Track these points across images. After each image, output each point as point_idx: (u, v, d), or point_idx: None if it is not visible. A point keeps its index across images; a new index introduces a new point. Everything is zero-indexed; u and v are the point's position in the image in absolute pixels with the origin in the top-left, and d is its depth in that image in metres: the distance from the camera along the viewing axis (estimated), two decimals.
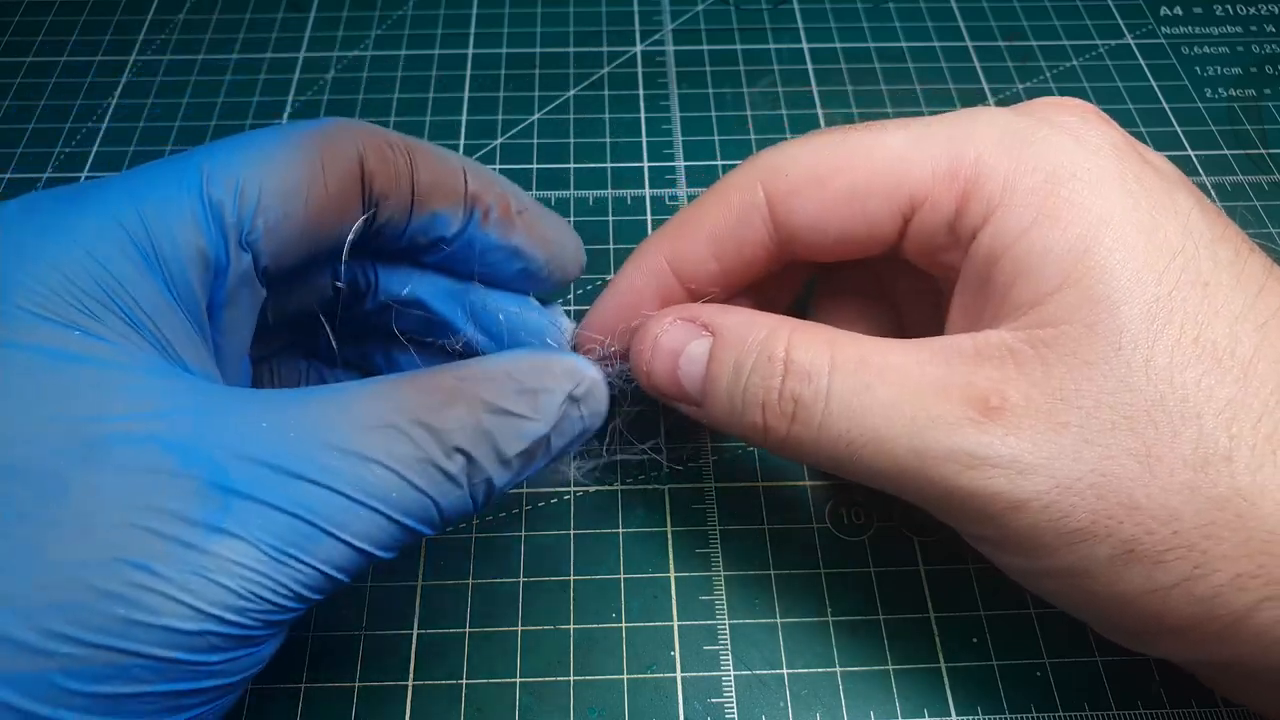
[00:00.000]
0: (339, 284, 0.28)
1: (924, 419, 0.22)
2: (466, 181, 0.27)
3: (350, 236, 0.25)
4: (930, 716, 0.28)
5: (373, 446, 0.20)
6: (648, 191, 0.41)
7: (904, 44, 0.48)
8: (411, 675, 0.28)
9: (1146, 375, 0.21)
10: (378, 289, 0.29)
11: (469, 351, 0.30)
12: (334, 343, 0.29)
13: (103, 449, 0.19)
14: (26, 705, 0.17)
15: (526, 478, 0.24)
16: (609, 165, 0.42)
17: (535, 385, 0.23)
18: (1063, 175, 0.23)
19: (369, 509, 0.20)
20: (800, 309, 0.32)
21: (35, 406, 0.19)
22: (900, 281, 0.31)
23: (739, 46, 0.47)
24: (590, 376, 0.24)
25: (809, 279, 0.32)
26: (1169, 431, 0.21)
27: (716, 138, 0.43)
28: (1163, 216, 0.22)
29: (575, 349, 0.30)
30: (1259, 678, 0.22)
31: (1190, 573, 0.21)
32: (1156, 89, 0.45)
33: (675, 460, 0.33)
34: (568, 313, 0.32)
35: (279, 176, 0.23)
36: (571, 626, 0.29)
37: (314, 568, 0.20)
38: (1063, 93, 0.39)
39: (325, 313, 0.29)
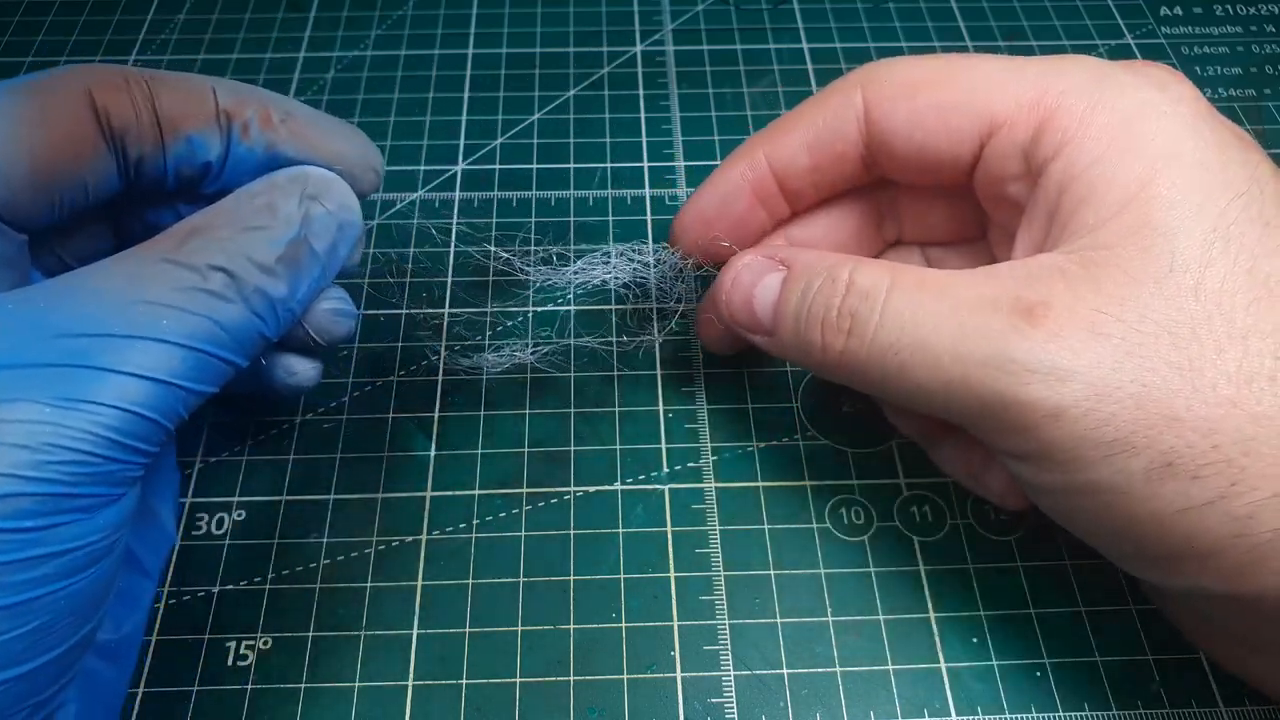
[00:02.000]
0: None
1: (970, 328, 0.23)
2: (216, 99, 0.26)
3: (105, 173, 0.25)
4: (930, 716, 0.28)
5: (129, 290, 0.21)
6: (648, 191, 0.41)
7: (904, 44, 0.48)
8: (411, 675, 0.28)
9: (1195, 296, 0.21)
10: (145, 221, 0.28)
11: None
12: None
13: None
14: None
15: (313, 289, 0.25)
16: (609, 165, 0.42)
17: (268, 199, 0.25)
18: (1138, 116, 0.24)
19: (144, 340, 0.21)
20: None
21: None
22: (956, 265, 0.31)
23: (739, 46, 0.47)
24: (315, 174, 0.26)
25: (881, 244, 0.33)
26: (1213, 348, 0.21)
27: (716, 138, 0.43)
28: (1231, 161, 0.23)
29: (666, 244, 0.32)
30: (1272, 627, 0.22)
31: (1227, 489, 0.20)
32: None
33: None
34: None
35: None
36: (571, 626, 0.29)
37: (108, 405, 0.20)
38: None
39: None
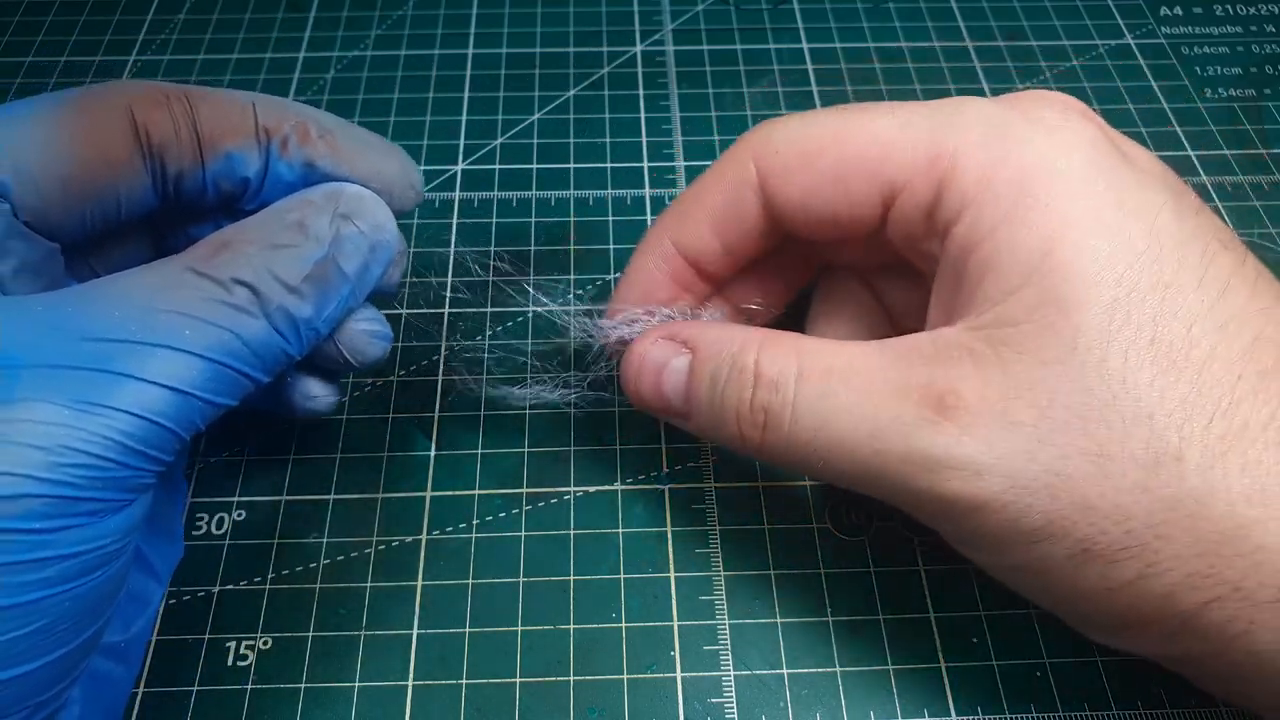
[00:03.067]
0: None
1: (884, 420, 0.23)
2: (256, 115, 0.26)
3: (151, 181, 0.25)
4: (930, 716, 0.28)
5: (153, 299, 0.21)
6: (648, 191, 0.41)
7: (904, 44, 0.48)
8: (411, 675, 0.28)
9: (1100, 375, 0.21)
10: (187, 236, 0.28)
11: None
12: None
13: None
14: None
15: (341, 309, 0.25)
16: (609, 165, 0.42)
17: (299, 216, 0.24)
18: (1035, 173, 0.23)
19: (164, 348, 0.21)
20: (806, 298, 0.33)
21: None
22: (895, 286, 0.31)
23: (739, 46, 0.47)
24: (353, 192, 0.25)
25: (813, 270, 0.32)
26: (1120, 431, 0.21)
27: (716, 138, 0.43)
28: (1129, 216, 0.22)
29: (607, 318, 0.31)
30: (1218, 673, 0.23)
31: (1144, 571, 0.21)
32: (1156, 89, 0.45)
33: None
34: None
35: (30, 130, 0.23)
36: (571, 626, 0.29)
37: (125, 411, 0.20)
38: (1062, 93, 0.39)
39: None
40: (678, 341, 0.28)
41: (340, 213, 0.25)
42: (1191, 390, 0.21)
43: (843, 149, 0.26)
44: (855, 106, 0.27)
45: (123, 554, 0.21)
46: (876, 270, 0.31)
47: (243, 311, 0.22)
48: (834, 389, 0.24)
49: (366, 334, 0.27)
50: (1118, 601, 0.21)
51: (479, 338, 0.35)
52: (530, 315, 0.36)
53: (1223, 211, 0.40)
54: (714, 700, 0.28)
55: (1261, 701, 0.23)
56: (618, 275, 0.33)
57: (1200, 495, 0.20)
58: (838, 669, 0.28)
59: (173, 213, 0.27)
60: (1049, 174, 0.23)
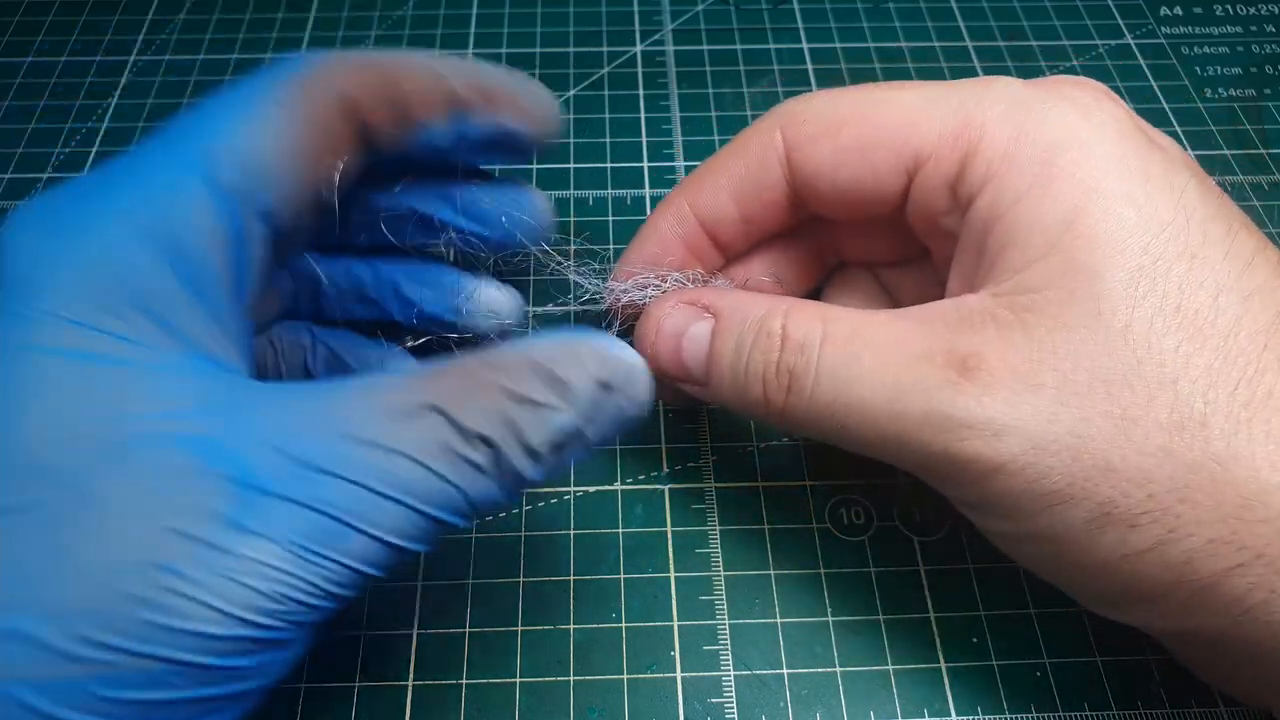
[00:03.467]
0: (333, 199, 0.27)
1: (905, 383, 0.23)
2: (449, 84, 0.26)
3: (339, 173, 0.25)
4: (930, 716, 0.28)
5: (395, 438, 0.20)
6: (648, 191, 0.41)
7: (904, 44, 0.48)
8: (411, 675, 0.28)
9: (1125, 340, 0.21)
10: (366, 204, 0.29)
11: (462, 248, 0.30)
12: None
13: (129, 450, 0.19)
14: (59, 712, 0.17)
15: (567, 467, 0.23)
16: (609, 165, 0.42)
17: (563, 373, 0.22)
18: (1062, 146, 0.23)
19: (394, 502, 0.20)
20: (816, 296, 0.33)
21: (61, 410, 0.19)
22: (907, 280, 0.31)
23: (739, 46, 0.47)
24: (625, 361, 0.23)
25: (826, 268, 0.32)
26: (1145, 395, 0.21)
27: (716, 138, 0.43)
28: (1157, 190, 0.23)
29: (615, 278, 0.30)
30: (1227, 654, 0.23)
31: (1164, 536, 0.21)
32: (1156, 89, 0.45)
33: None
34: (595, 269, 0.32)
35: (276, 140, 0.23)
36: (571, 626, 0.29)
37: (342, 564, 0.20)
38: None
39: (320, 244, 0.29)
40: (698, 307, 0.27)
41: (607, 381, 0.22)
42: (1217, 358, 0.21)
43: (869, 120, 0.26)
44: (882, 84, 0.27)
45: (286, 670, 0.21)
46: (889, 266, 0.31)
47: (478, 470, 0.21)
48: (857, 353, 0.24)
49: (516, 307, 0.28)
50: (1135, 570, 0.21)
51: None
52: (531, 281, 0.36)
53: None
54: (714, 700, 0.28)
55: (1270, 683, 0.22)
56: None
57: (1224, 460, 0.20)
58: (838, 669, 0.28)
59: (362, 182, 0.27)
60: (1076, 147, 0.23)
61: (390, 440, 0.20)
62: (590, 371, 0.22)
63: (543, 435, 0.21)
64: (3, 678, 0.17)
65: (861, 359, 0.24)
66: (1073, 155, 0.23)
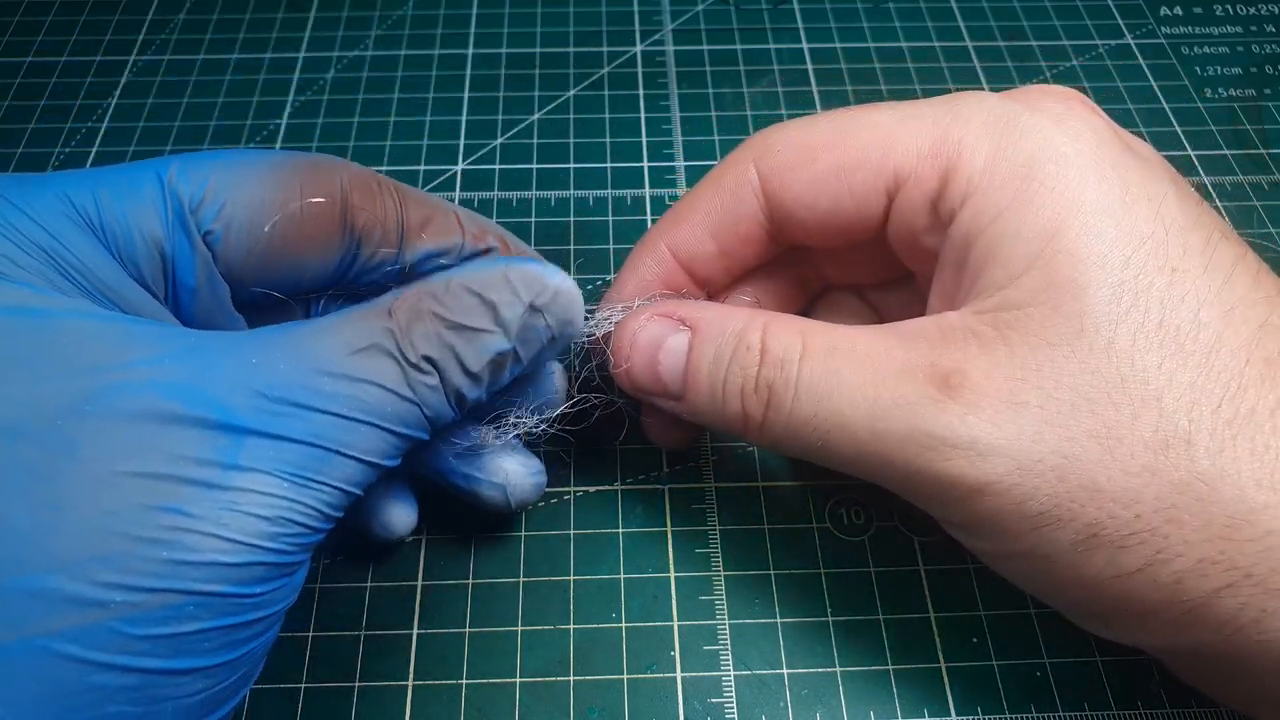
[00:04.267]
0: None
1: (886, 400, 0.23)
2: (461, 223, 0.26)
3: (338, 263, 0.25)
4: (930, 716, 0.28)
5: (360, 368, 0.22)
6: (648, 191, 0.41)
7: (904, 44, 0.48)
8: (411, 675, 0.28)
9: (1108, 357, 0.21)
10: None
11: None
12: None
13: (104, 400, 0.19)
14: (94, 656, 0.18)
15: (506, 381, 0.25)
16: (609, 165, 0.42)
17: (494, 297, 0.24)
18: (1040, 160, 0.23)
19: (370, 425, 0.21)
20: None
21: (22, 365, 0.19)
22: (891, 301, 0.31)
23: (739, 46, 0.47)
24: (553, 285, 0.24)
25: (808, 295, 0.32)
26: (1129, 413, 0.21)
27: (716, 138, 0.43)
28: (1135, 202, 0.22)
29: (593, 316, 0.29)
30: (1220, 667, 0.22)
31: (1153, 558, 0.21)
32: (1156, 89, 0.45)
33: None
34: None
35: (250, 188, 0.24)
36: (571, 626, 0.29)
37: (333, 486, 0.21)
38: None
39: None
40: (675, 319, 0.27)
41: (536, 303, 0.24)
42: (1200, 374, 0.21)
43: (846, 143, 0.26)
44: (855, 107, 0.27)
45: (294, 597, 0.22)
46: (872, 288, 0.31)
47: (431, 390, 0.23)
48: (837, 367, 0.23)
49: (532, 485, 0.28)
50: (1125, 590, 0.21)
51: None
52: None
53: (1223, 211, 0.40)
54: (714, 700, 0.28)
55: (1265, 697, 0.22)
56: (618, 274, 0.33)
57: (1210, 479, 0.20)
58: (838, 669, 0.28)
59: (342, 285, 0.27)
60: (1054, 160, 0.23)
61: (356, 371, 0.21)
62: (520, 295, 0.24)
63: (479, 359, 0.23)
64: (33, 634, 0.18)
65: (841, 374, 0.23)
66: (1050, 169, 0.23)
